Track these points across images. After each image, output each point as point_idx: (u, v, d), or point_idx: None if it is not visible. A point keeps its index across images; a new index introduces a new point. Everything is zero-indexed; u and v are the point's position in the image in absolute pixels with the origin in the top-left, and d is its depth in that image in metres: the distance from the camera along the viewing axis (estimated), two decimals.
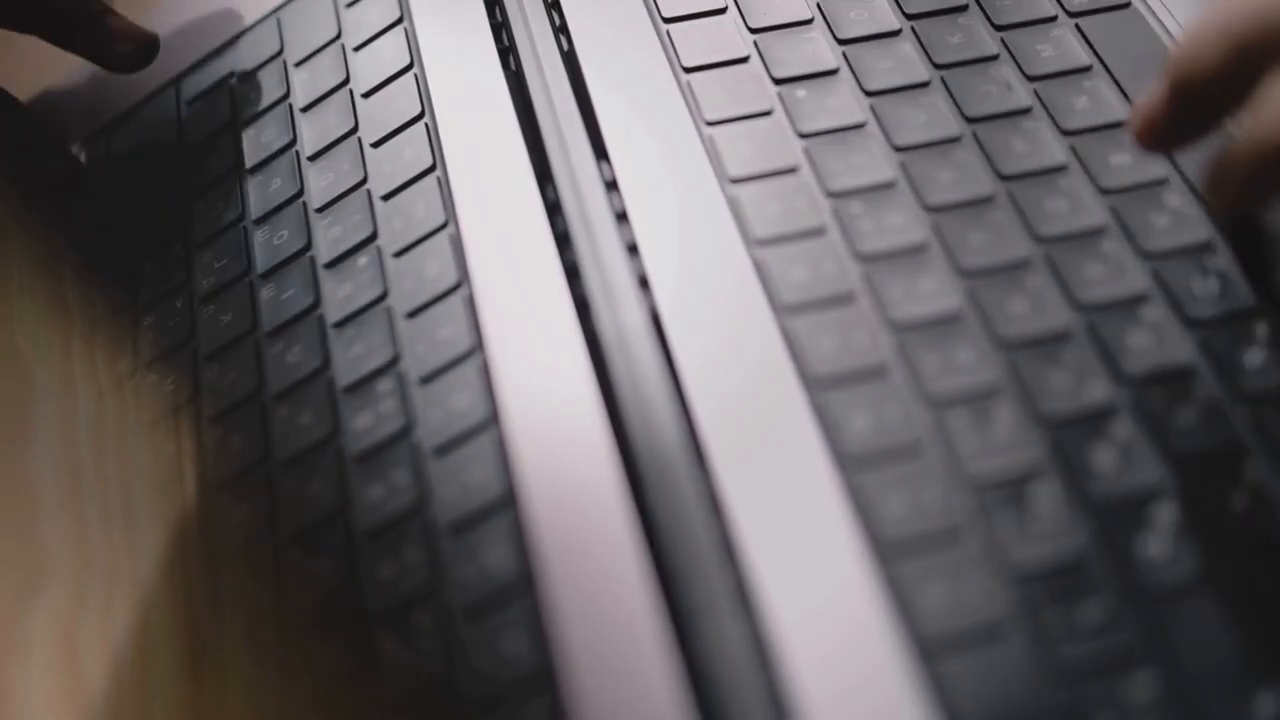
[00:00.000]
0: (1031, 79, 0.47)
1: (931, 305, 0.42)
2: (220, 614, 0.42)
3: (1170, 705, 0.35)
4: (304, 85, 0.54)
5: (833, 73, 0.48)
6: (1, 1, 0.54)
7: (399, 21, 0.54)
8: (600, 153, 0.47)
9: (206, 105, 0.55)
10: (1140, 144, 0.41)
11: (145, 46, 0.55)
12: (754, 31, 0.50)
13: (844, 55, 0.49)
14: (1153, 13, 0.49)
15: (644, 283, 0.44)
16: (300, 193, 0.50)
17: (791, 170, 0.45)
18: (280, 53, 0.55)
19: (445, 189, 0.48)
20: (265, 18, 0.57)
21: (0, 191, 0.54)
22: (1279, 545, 0.37)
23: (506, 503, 0.40)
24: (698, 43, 0.50)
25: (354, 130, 0.51)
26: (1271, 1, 0.38)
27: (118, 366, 0.49)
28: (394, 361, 0.44)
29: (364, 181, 0.49)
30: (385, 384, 0.44)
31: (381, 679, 0.39)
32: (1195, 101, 0.40)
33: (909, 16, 0.50)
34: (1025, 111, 0.46)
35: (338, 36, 0.55)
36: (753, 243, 0.44)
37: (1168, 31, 0.48)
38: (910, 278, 0.42)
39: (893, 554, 0.37)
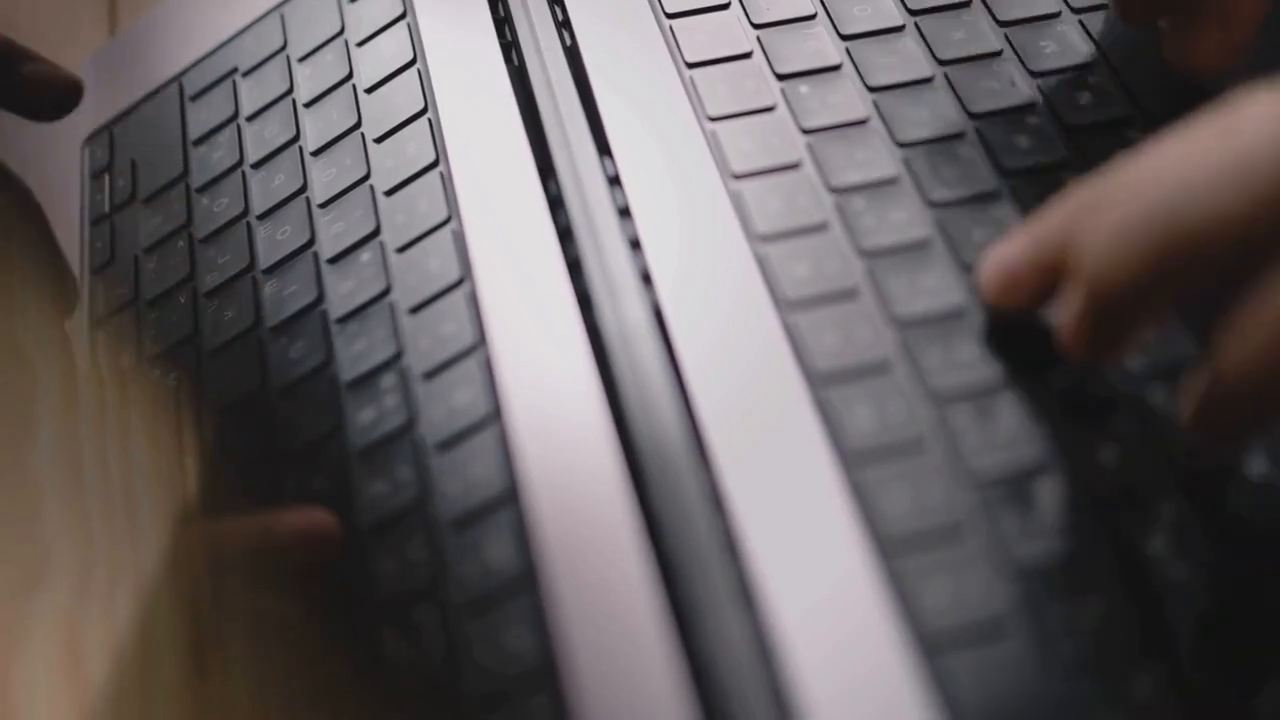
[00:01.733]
0: (1035, 75, 0.47)
1: (934, 301, 0.42)
2: (221, 610, 0.42)
3: (1172, 701, 0.35)
4: (307, 80, 0.54)
5: (836, 68, 0.48)
6: None
7: (402, 17, 0.54)
8: (603, 148, 0.47)
9: (210, 101, 0.55)
10: (1071, 356, 0.37)
11: (65, 94, 0.53)
12: (757, 27, 0.50)
13: (847, 51, 0.49)
14: None
15: (646, 278, 0.43)
16: (303, 188, 0.50)
17: (794, 166, 0.45)
18: (283, 48, 0.55)
19: (448, 184, 0.48)
20: (268, 13, 0.57)
21: (1, 185, 0.54)
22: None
23: (509, 498, 0.40)
24: (700, 38, 0.50)
25: (357, 125, 0.51)
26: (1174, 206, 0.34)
27: (120, 361, 0.49)
28: (397, 357, 0.44)
29: (367, 177, 0.49)
30: (388, 379, 0.44)
31: (384, 675, 0.39)
32: (1119, 318, 0.35)
33: (912, 12, 0.50)
34: (1029, 107, 0.46)
35: (341, 32, 0.55)
36: (755, 238, 0.44)
37: None
38: (913, 273, 0.42)
39: (895, 550, 0.37)
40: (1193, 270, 0.33)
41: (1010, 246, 0.39)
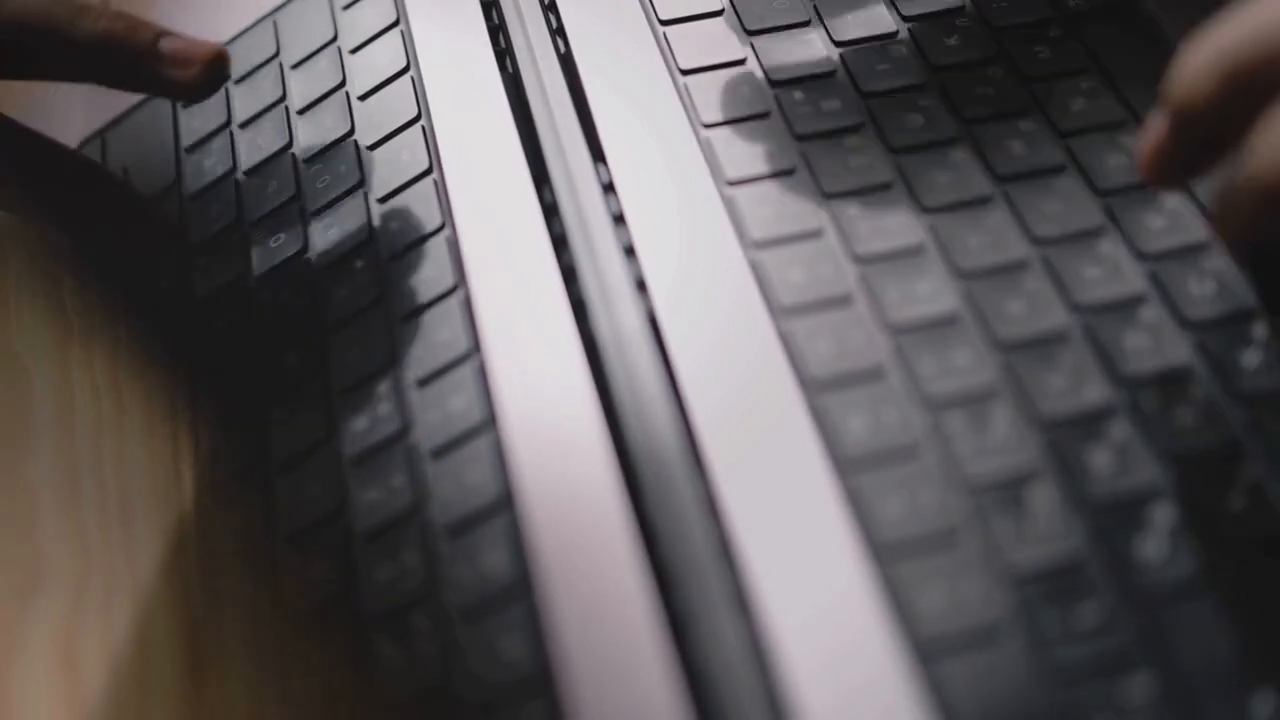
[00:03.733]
0: (1029, 80, 0.47)
1: (928, 307, 0.42)
2: (218, 617, 0.42)
3: (1167, 707, 0.35)
4: (300, 87, 0.54)
5: (830, 74, 0.48)
6: (54, 56, 0.51)
7: (395, 24, 0.54)
8: (597, 155, 0.47)
9: (203, 107, 0.55)
10: (1149, 180, 0.40)
11: (212, 67, 0.50)
12: (751, 34, 0.50)
13: (841, 57, 0.49)
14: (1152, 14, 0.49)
15: (641, 285, 0.44)
16: (297, 195, 0.50)
17: (788, 172, 0.45)
18: (276, 55, 0.55)
19: (442, 192, 0.48)
20: (261, 20, 0.57)
21: None
22: (1276, 546, 0.37)
23: (504, 505, 0.40)
24: (695, 45, 0.50)
25: (350, 133, 0.51)
26: (1268, 26, 0.37)
27: (115, 370, 0.49)
28: (391, 364, 0.44)
29: (361, 184, 0.49)
30: (382, 386, 0.44)
31: (379, 681, 0.39)
32: (1196, 133, 0.38)
33: (906, 19, 0.50)
34: (1023, 113, 0.46)
35: (334, 39, 0.55)
36: (750, 245, 0.44)
37: (1167, 33, 0.48)
38: (907, 279, 0.42)
39: (890, 556, 0.37)
40: (1251, 84, 0.37)
41: (1198, 56, 0.39)
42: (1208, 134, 0.38)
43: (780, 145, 0.46)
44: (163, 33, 0.50)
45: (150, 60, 0.50)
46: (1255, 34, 0.37)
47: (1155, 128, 0.39)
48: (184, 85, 0.50)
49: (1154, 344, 0.40)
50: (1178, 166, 0.39)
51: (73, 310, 0.50)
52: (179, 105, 0.56)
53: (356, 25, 0.55)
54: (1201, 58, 0.38)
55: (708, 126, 0.47)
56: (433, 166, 0.48)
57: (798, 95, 0.48)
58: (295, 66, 0.55)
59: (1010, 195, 0.44)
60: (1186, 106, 0.38)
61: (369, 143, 0.50)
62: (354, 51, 0.54)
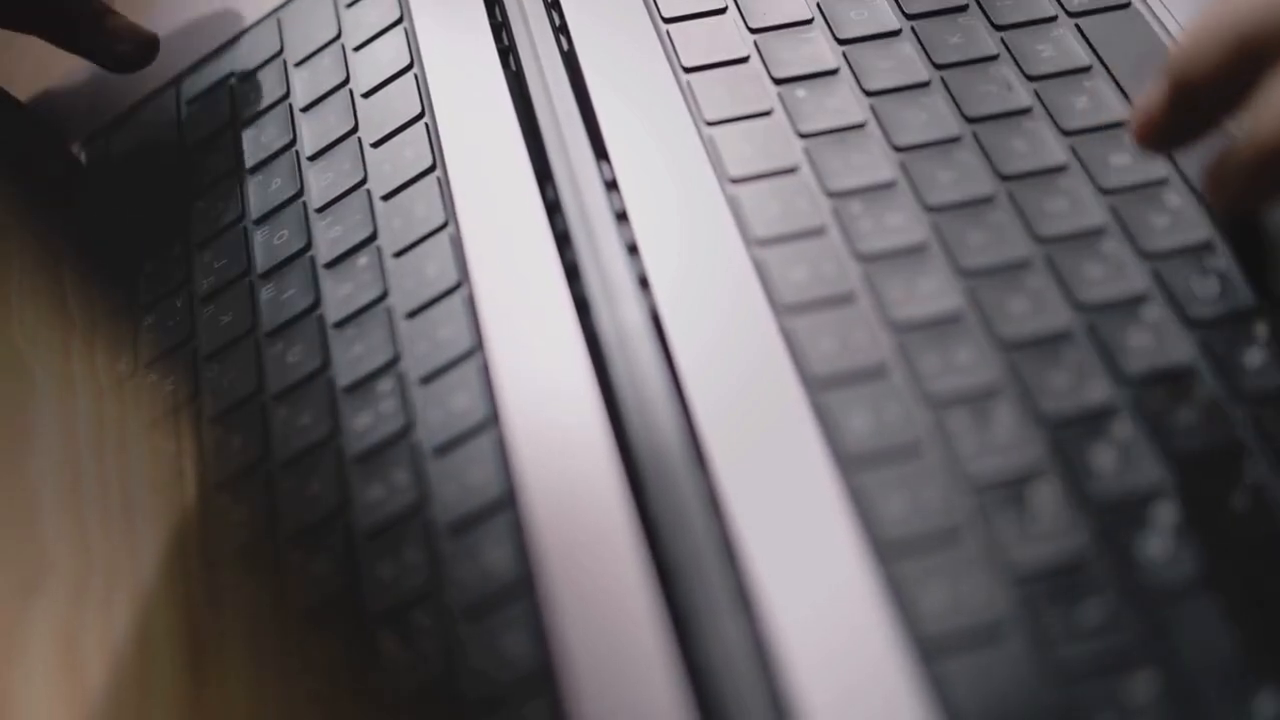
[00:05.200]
0: (1032, 79, 0.47)
1: (931, 305, 0.42)
2: (220, 614, 0.42)
3: (1170, 706, 0.35)
4: (304, 85, 0.54)
5: (833, 73, 0.48)
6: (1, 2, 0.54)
7: (399, 21, 0.54)
8: (600, 153, 0.47)
9: (206, 105, 0.55)
10: (1140, 144, 0.41)
11: (145, 45, 0.55)
12: (754, 31, 0.50)
13: (844, 55, 0.49)
14: (1152, 12, 0.49)
15: (644, 282, 0.44)
16: (300, 193, 0.50)
17: (791, 170, 0.45)
18: (280, 53, 0.55)
19: (445, 189, 0.48)
20: (265, 18, 0.57)
21: (0, 191, 0.54)
22: (1277, 546, 0.37)
23: (506, 503, 0.40)
24: (698, 42, 0.50)
25: (354, 130, 0.51)
26: (1271, 1, 0.38)
27: (117, 366, 0.49)
28: (394, 361, 0.44)
29: (364, 181, 0.49)
30: (385, 384, 0.44)
31: (381, 679, 0.39)
32: (1195, 101, 0.39)
33: (909, 16, 0.50)
34: (1025, 111, 0.46)
35: (338, 36, 0.55)
36: (753, 242, 0.44)
37: (1167, 31, 0.48)
38: (910, 278, 0.42)
39: (892, 554, 0.37)
40: (1258, 52, 0.37)
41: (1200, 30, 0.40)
42: (1207, 103, 0.39)
43: (784, 143, 0.46)
44: (109, 9, 0.55)
45: (95, 26, 0.55)
46: (1258, 8, 0.38)
47: (1153, 94, 0.40)
48: (117, 55, 0.55)
49: (1157, 343, 0.40)
50: (1172, 134, 0.40)
51: (75, 307, 0.50)
52: (177, 102, 0.56)
53: (360, 23, 0.55)
54: (1207, 28, 0.38)
55: (710, 124, 0.47)
56: (436, 164, 0.48)
57: (800, 93, 0.48)
58: (299, 64, 0.55)
59: (1013, 193, 0.44)
60: (1189, 75, 0.39)
61: (372, 140, 0.50)
62: (357, 49, 0.54)
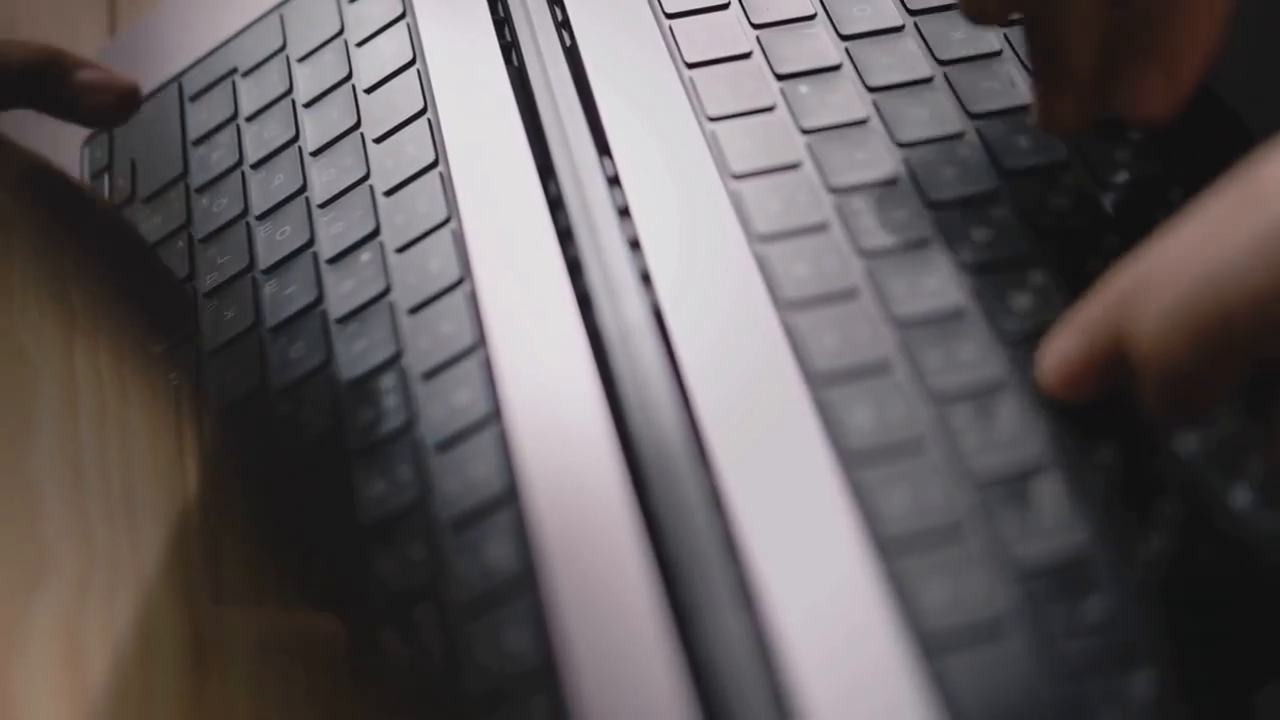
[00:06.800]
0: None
1: (934, 301, 0.42)
2: (221, 611, 0.42)
3: (1172, 702, 0.35)
4: (307, 81, 0.54)
5: (835, 68, 0.48)
6: None
7: (401, 17, 0.54)
8: (602, 148, 0.47)
9: (209, 101, 0.55)
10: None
11: (123, 98, 0.53)
12: (756, 27, 0.50)
13: (847, 51, 0.49)
14: None
15: (646, 278, 0.43)
16: (303, 188, 0.50)
17: (794, 166, 0.45)
18: (283, 48, 0.55)
19: (448, 184, 0.48)
20: (268, 13, 0.57)
21: (3, 187, 0.54)
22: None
23: (508, 498, 0.40)
24: (700, 38, 0.50)
25: (357, 126, 0.51)
26: (1117, 303, 0.36)
27: (120, 362, 0.49)
28: (396, 357, 0.44)
29: (366, 177, 0.49)
30: (388, 380, 0.44)
31: (383, 675, 0.39)
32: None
33: (912, 12, 0.50)
34: (1028, 107, 0.46)
35: (340, 32, 0.55)
36: (755, 238, 0.44)
37: None
38: (913, 273, 0.42)
39: (895, 550, 0.37)
40: (1247, 346, 0.34)
41: (1063, 342, 0.38)
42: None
43: (786, 139, 0.46)
44: (83, 63, 0.52)
45: (70, 87, 0.52)
46: (1105, 314, 0.36)
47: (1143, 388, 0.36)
48: (97, 110, 0.53)
49: None
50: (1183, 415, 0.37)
51: (77, 302, 0.50)
52: (180, 98, 0.56)
53: (363, 18, 0.55)
54: (1062, 343, 0.38)
55: (713, 120, 0.47)
56: (438, 160, 0.48)
57: (803, 89, 0.48)
58: (302, 59, 0.55)
59: (1015, 190, 0.44)
60: (1056, 392, 0.38)
61: (375, 135, 0.50)
62: (360, 45, 0.54)
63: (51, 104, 0.53)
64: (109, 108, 0.53)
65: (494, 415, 0.41)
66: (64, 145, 0.56)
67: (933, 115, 0.46)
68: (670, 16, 0.50)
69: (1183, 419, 0.38)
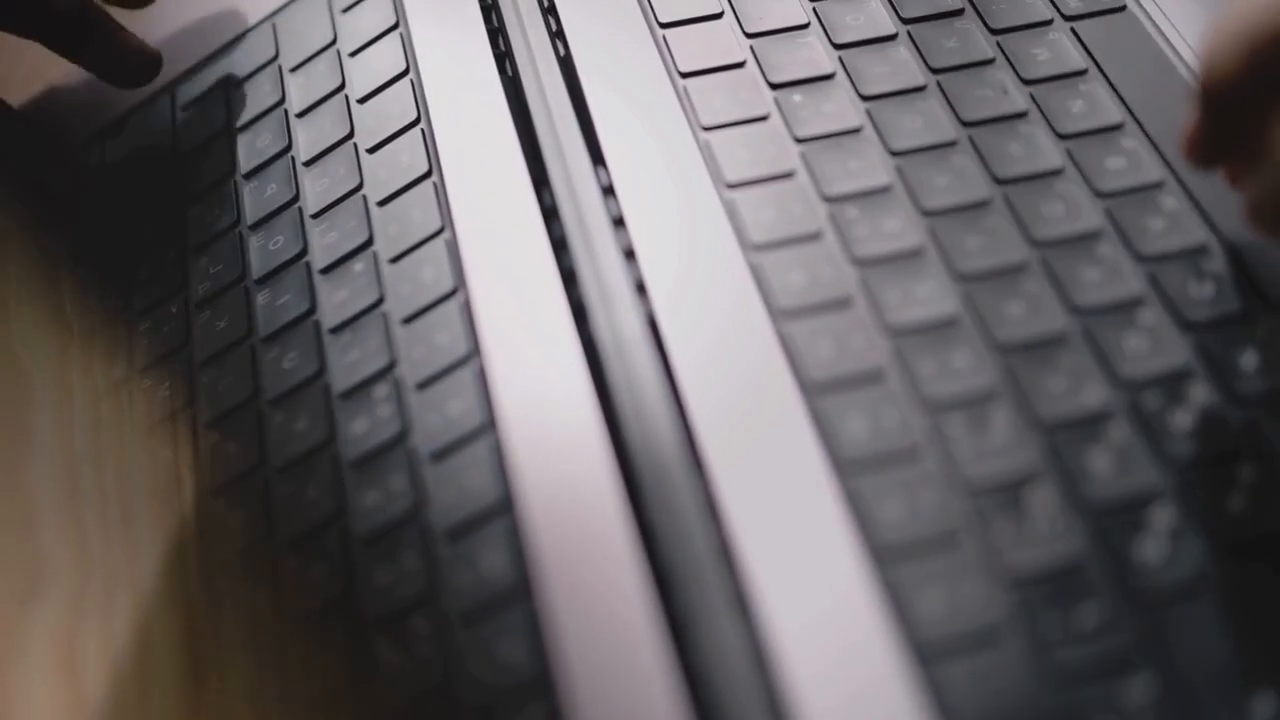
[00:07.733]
0: (1027, 82, 0.47)
1: (928, 309, 0.42)
2: (218, 620, 0.42)
3: (1167, 708, 0.35)
4: (299, 91, 0.54)
5: (829, 77, 0.48)
6: (7, 5, 0.54)
7: (395, 27, 0.54)
8: (597, 158, 0.47)
9: (202, 110, 0.55)
10: (1190, 163, 0.40)
11: (150, 65, 0.55)
12: (750, 36, 0.50)
13: (840, 60, 0.49)
14: (1148, 16, 0.49)
15: (641, 288, 0.44)
16: (296, 198, 0.50)
17: (788, 175, 0.45)
18: (275, 58, 0.55)
19: (442, 194, 0.48)
20: (261, 23, 0.57)
21: None
22: (1275, 548, 0.37)
23: (503, 508, 0.40)
24: (694, 48, 0.50)
25: (350, 136, 0.51)
26: (1275, 7, 0.37)
27: (114, 372, 0.49)
28: (390, 367, 0.44)
29: (360, 187, 0.49)
30: (381, 389, 0.44)
31: (378, 685, 0.39)
32: (1225, 113, 0.39)
33: (905, 21, 0.50)
34: (1021, 115, 0.46)
35: (333, 42, 0.55)
36: (749, 247, 0.44)
37: (1163, 34, 0.48)
38: (907, 282, 0.42)
39: (890, 558, 0.37)
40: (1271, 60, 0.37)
41: (1184, 116, 0.40)
42: (1234, 114, 0.38)
43: (780, 148, 0.46)
44: (120, 25, 0.55)
45: (107, 39, 0.54)
46: (1267, 12, 0.37)
47: (1190, 109, 0.39)
48: (125, 70, 0.55)
49: (1153, 346, 0.40)
50: (1212, 148, 0.40)
51: (72, 312, 0.50)
52: (172, 107, 0.56)
53: (356, 28, 0.55)
54: (1222, 39, 0.38)
55: (707, 129, 0.47)
56: (432, 169, 0.48)
57: (797, 98, 0.48)
58: (294, 70, 0.55)
59: (1009, 197, 0.44)
60: (1210, 87, 0.38)
61: (368, 146, 0.50)
62: (353, 54, 0.54)
63: (82, 51, 0.55)
64: (136, 70, 0.55)
65: (488, 425, 0.41)
66: (58, 154, 0.56)
67: (926, 124, 0.46)
68: (664, 26, 0.51)
69: (1212, 155, 0.40)
